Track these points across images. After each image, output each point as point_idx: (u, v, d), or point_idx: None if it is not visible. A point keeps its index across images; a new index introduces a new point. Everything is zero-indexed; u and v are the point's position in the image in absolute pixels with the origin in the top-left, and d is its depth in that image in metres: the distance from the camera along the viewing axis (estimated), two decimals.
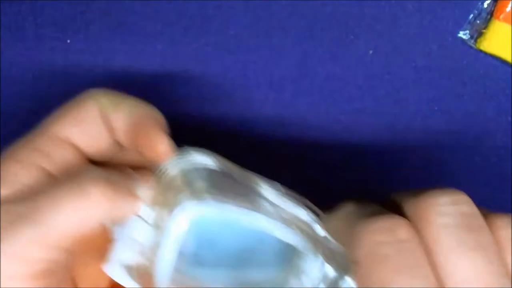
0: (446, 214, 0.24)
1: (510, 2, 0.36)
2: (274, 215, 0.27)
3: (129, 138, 0.29)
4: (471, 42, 0.37)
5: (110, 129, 0.30)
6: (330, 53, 0.37)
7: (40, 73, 0.38)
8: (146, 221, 0.27)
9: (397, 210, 0.26)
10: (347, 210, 0.27)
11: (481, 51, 0.37)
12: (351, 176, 0.39)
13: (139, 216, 0.27)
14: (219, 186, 0.27)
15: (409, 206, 0.25)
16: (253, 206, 0.27)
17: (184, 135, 0.39)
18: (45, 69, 0.38)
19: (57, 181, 0.28)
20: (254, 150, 0.39)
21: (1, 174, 0.28)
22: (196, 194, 0.26)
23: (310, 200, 0.40)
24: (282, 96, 0.38)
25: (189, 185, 0.27)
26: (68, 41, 0.38)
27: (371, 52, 0.37)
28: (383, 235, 0.24)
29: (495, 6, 0.36)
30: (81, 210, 0.26)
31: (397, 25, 0.37)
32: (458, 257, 0.23)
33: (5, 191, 0.27)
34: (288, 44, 0.37)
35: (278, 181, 0.39)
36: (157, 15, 0.37)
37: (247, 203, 0.27)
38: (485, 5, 0.36)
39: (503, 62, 0.37)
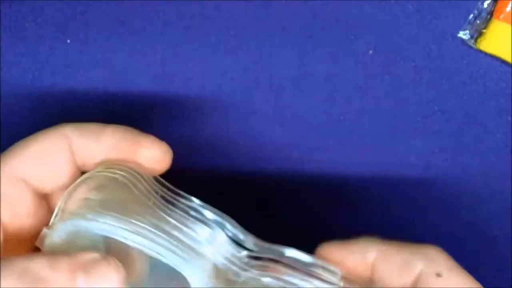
0: None
1: (510, 2, 0.36)
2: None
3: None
4: (471, 42, 0.37)
5: (83, 162, 0.29)
6: (330, 53, 0.37)
7: (40, 73, 0.38)
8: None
9: None
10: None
11: (481, 51, 0.37)
12: (351, 176, 0.39)
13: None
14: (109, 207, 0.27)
15: None
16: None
17: (184, 135, 0.39)
18: (45, 69, 0.38)
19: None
20: (254, 149, 0.39)
21: None
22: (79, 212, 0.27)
23: (310, 200, 0.40)
24: (282, 96, 0.38)
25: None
26: (68, 41, 0.38)
27: (371, 52, 0.37)
28: None
29: (495, 6, 0.36)
30: None
31: (397, 25, 0.37)
32: None
33: None
34: (288, 44, 0.37)
35: (277, 181, 0.39)
36: (157, 15, 0.37)
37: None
38: (485, 5, 0.36)
39: (503, 62, 0.37)
